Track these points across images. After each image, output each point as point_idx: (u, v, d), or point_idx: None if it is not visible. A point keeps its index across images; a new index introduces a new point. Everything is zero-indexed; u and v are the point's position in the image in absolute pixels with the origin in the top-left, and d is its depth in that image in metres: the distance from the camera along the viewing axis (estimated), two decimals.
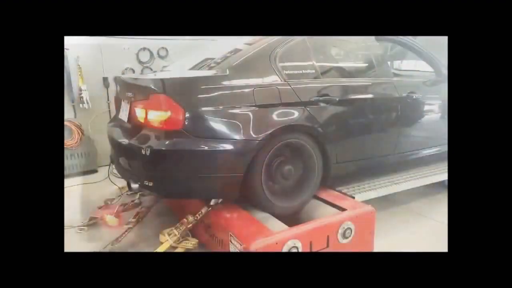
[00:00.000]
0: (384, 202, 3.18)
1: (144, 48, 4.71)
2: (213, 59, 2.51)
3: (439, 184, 3.28)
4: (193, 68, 2.56)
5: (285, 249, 1.93)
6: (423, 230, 2.80)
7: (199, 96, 2.07)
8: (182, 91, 2.07)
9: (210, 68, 2.36)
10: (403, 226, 2.85)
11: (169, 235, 2.31)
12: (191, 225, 2.34)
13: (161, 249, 2.23)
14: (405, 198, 3.34)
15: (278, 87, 2.25)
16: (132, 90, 2.37)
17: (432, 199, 3.39)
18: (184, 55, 3.21)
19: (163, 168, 2.07)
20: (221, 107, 2.06)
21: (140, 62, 4.73)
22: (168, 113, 2.01)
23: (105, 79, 4.50)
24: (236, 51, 2.45)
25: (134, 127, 2.32)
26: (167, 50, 4.85)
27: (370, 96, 2.70)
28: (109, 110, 4.54)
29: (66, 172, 4.23)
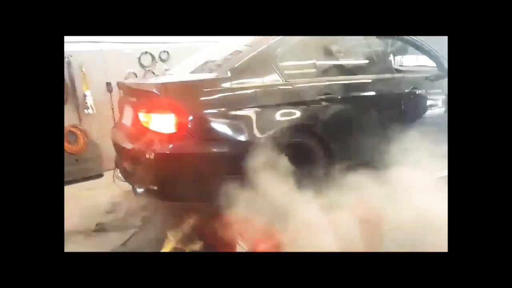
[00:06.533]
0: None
1: (146, 52, 4.74)
2: (214, 61, 2.53)
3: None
4: (194, 71, 2.58)
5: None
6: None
7: (201, 99, 2.09)
8: (184, 94, 2.09)
9: (211, 70, 2.37)
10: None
11: (173, 237, 2.32)
12: (196, 226, 2.35)
13: (164, 250, 2.24)
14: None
15: (280, 87, 2.26)
16: (135, 95, 2.39)
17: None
18: (185, 58, 3.22)
19: (167, 172, 2.09)
20: (223, 109, 2.08)
21: (142, 66, 4.75)
22: (172, 117, 2.03)
23: (108, 84, 4.53)
24: (236, 53, 2.47)
25: (138, 131, 2.34)
26: (168, 53, 4.88)
27: (372, 93, 2.69)
28: (113, 115, 4.57)
29: (71, 177, 4.24)
